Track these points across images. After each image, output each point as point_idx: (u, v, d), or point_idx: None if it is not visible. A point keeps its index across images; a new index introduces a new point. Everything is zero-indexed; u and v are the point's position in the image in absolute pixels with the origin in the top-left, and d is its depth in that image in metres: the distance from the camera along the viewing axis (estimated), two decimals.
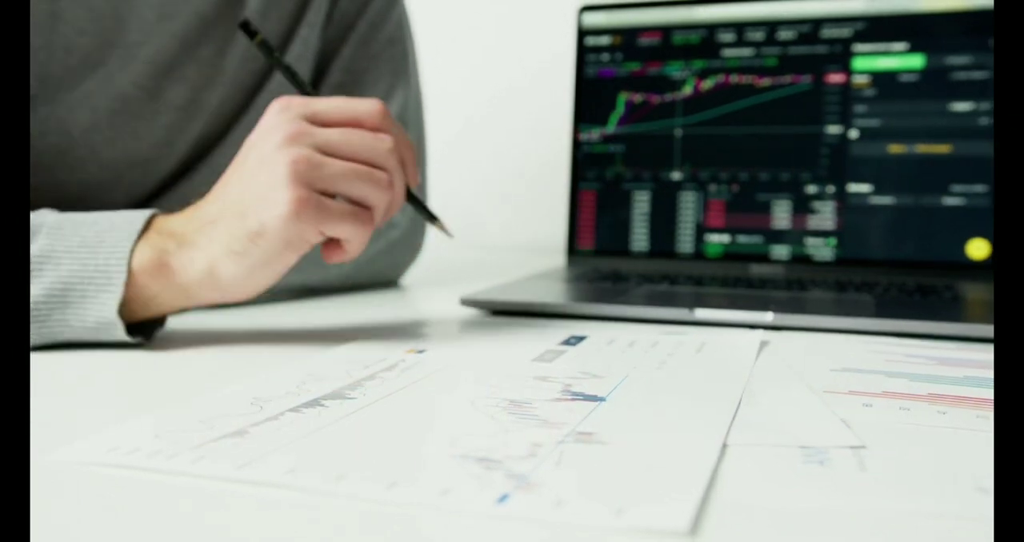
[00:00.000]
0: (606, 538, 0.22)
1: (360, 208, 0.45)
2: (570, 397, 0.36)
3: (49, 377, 0.40)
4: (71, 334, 0.45)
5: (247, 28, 0.49)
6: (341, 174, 0.44)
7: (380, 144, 0.46)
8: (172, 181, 0.67)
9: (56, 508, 0.25)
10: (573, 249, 0.89)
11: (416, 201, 0.50)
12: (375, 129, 0.46)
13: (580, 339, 0.50)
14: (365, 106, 0.46)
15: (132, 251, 0.44)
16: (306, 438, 0.30)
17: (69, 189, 0.62)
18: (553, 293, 0.66)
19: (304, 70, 0.71)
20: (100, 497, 0.25)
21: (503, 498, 0.24)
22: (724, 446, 0.30)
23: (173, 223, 0.46)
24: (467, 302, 0.61)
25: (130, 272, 0.44)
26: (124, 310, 0.45)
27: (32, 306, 0.44)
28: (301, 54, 0.69)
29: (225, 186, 0.46)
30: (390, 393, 0.37)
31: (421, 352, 0.46)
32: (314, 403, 0.35)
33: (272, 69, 0.68)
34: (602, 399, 0.36)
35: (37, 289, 0.44)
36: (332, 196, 0.45)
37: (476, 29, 1.30)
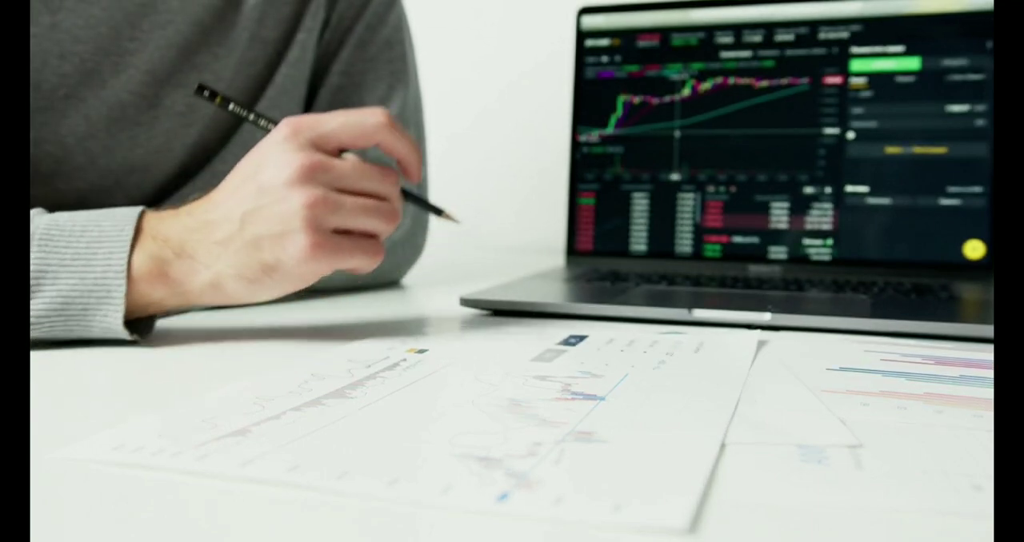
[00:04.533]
0: (605, 536, 0.23)
1: (368, 239, 0.48)
2: (570, 396, 0.36)
3: (52, 375, 0.40)
4: (75, 337, 0.46)
5: (203, 92, 0.51)
6: (352, 212, 0.46)
7: (387, 179, 0.48)
8: (172, 187, 0.67)
9: (60, 505, 0.25)
10: (572, 249, 0.90)
11: (417, 199, 0.53)
12: (384, 144, 0.48)
13: (579, 339, 0.50)
14: (371, 120, 0.47)
15: (128, 261, 0.45)
16: (308, 437, 0.30)
17: (68, 197, 0.62)
18: (552, 293, 0.66)
19: (302, 74, 0.71)
20: (104, 494, 0.26)
21: (503, 496, 0.25)
22: (722, 445, 0.30)
23: (167, 227, 0.46)
24: (467, 302, 0.61)
25: (130, 279, 0.45)
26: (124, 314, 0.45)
27: (34, 319, 0.44)
28: (299, 58, 0.70)
29: (228, 199, 0.46)
30: (391, 392, 0.37)
31: (422, 352, 0.46)
32: (316, 402, 0.35)
33: (272, 74, 0.69)
34: (601, 398, 0.36)
35: (38, 303, 0.44)
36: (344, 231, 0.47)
37: (475, 31, 1.30)
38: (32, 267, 0.44)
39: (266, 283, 0.46)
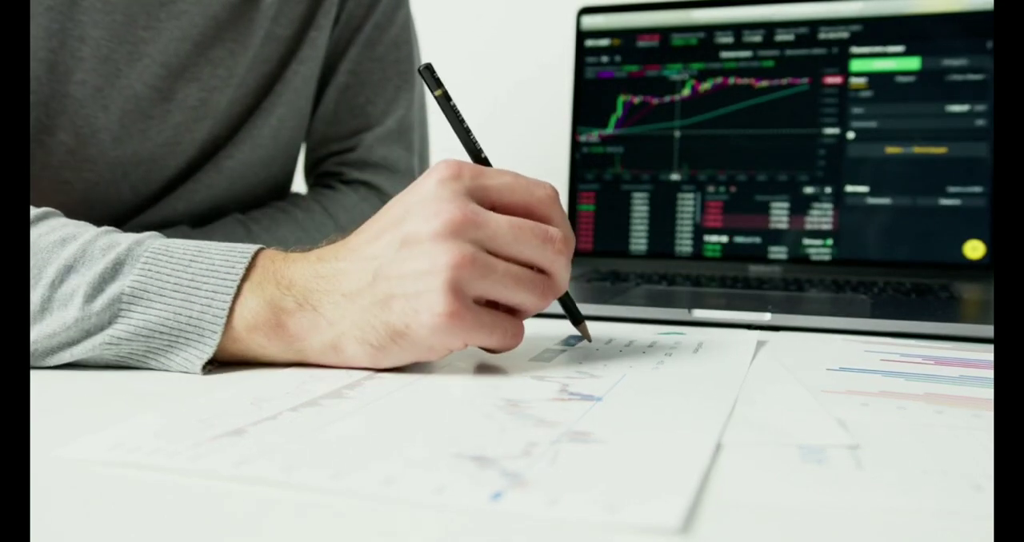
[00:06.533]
0: (599, 535, 0.22)
1: (511, 317, 0.41)
2: (567, 396, 0.36)
3: (52, 375, 0.40)
4: (148, 368, 0.42)
5: (431, 73, 0.46)
6: (502, 282, 0.39)
7: (551, 246, 0.40)
8: (178, 181, 0.67)
9: (58, 505, 0.25)
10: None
11: (567, 303, 0.47)
12: (545, 217, 0.42)
13: (578, 339, 0.50)
14: (540, 192, 0.42)
15: (232, 304, 0.40)
16: (304, 437, 0.30)
17: (75, 188, 0.62)
18: None
19: (312, 72, 0.71)
20: (101, 494, 0.26)
21: (497, 495, 0.24)
22: (720, 445, 0.30)
23: (294, 272, 0.41)
24: None
25: (232, 326, 0.40)
26: (220, 354, 0.41)
27: (111, 339, 0.40)
28: (310, 56, 0.70)
29: (366, 246, 0.41)
30: (388, 393, 0.37)
31: None
32: (312, 403, 0.35)
33: (283, 71, 0.69)
34: (599, 399, 0.36)
35: (120, 328, 0.40)
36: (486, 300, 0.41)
37: (476, 32, 1.30)
38: (129, 288, 0.40)
39: (391, 351, 0.40)
